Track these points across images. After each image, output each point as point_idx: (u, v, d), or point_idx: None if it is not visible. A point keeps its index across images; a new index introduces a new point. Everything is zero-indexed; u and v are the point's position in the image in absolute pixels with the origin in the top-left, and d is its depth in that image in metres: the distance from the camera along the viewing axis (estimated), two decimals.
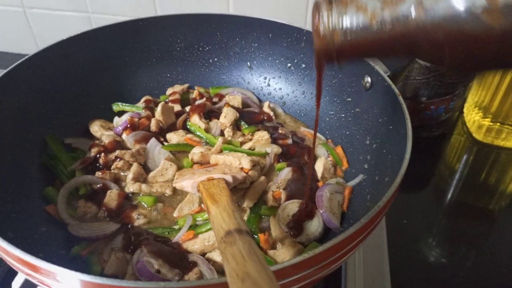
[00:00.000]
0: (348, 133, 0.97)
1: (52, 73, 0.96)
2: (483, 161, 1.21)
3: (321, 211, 0.80)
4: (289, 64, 1.10)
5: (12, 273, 0.77)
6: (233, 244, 0.49)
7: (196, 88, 1.12)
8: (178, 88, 1.10)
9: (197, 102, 1.04)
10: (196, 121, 1.00)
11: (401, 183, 0.65)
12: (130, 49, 1.08)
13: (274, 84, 1.13)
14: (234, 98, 1.07)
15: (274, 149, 0.93)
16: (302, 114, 1.09)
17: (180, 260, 0.72)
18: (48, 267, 0.52)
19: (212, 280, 0.48)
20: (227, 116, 1.00)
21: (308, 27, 1.22)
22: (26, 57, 0.90)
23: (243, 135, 1.00)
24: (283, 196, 0.83)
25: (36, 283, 0.60)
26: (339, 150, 0.97)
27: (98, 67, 1.04)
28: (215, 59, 1.15)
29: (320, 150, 0.97)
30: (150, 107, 1.04)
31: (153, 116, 1.01)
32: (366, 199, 0.81)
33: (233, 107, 1.03)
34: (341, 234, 0.54)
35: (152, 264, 0.70)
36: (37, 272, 0.55)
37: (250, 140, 0.98)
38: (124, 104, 1.05)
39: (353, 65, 0.94)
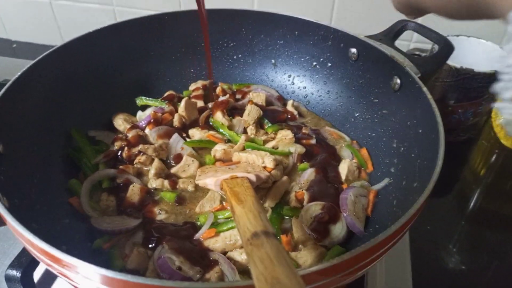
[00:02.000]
0: (374, 135, 0.95)
1: (77, 66, 0.96)
2: (510, 168, 1.18)
3: (345, 215, 0.78)
4: (314, 63, 1.08)
5: (34, 264, 0.77)
6: (261, 247, 0.48)
7: (219, 84, 1.11)
8: (201, 83, 1.10)
9: (220, 99, 1.04)
10: (219, 118, 0.99)
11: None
12: (155, 43, 1.08)
13: (298, 83, 1.12)
14: (258, 95, 1.06)
15: (298, 149, 0.91)
16: (327, 114, 1.07)
17: (201, 258, 0.72)
18: (70, 260, 0.52)
19: (238, 282, 0.47)
20: (250, 114, 0.98)
21: (334, 24, 1.20)
22: (52, 49, 0.90)
23: (266, 133, 0.98)
24: (306, 197, 0.82)
25: (57, 274, 0.60)
26: (364, 152, 0.95)
27: (123, 60, 1.04)
28: (239, 56, 1.14)
29: (345, 152, 0.95)
30: (174, 102, 1.03)
31: (176, 111, 1.01)
32: (392, 204, 0.79)
33: (256, 104, 1.01)
34: (370, 241, 0.53)
35: (174, 260, 0.70)
36: (59, 264, 0.55)
37: (273, 138, 0.97)
38: (147, 98, 1.05)
39: (381, 65, 0.92)
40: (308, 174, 0.87)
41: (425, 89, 0.79)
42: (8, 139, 0.73)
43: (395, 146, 0.88)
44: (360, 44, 0.96)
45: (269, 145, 0.95)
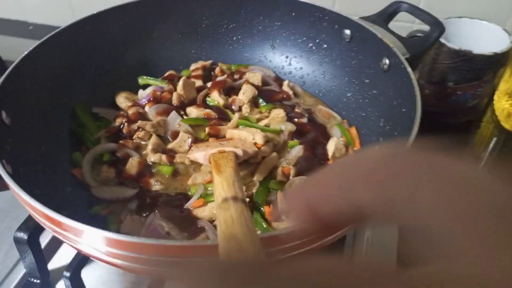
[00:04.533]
0: (363, 114, 0.98)
1: (83, 46, 1.01)
2: (511, 151, 1.18)
3: None
4: (310, 44, 1.10)
5: (40, 228, 0.83)
6: (227, 210, 0.53)
7: (219, 65, 1.15)
8: (201, 64, 1.14)
9: (218, 79, 1.08)
10: (215, 97, 1.03)
11: None
12: (158, 24, 1.12)
13: (295, 64, 1.14)
14: (254, 75, 1.09)
15: (288, 127, 0.95)
16: (321, 94, 1.10)
17: (189, 225, 0.77)
18: (70, 223, 0.57)
19: (207, 242, 0.52)
20: (245, 93, 1.02)
21: (337, 5, 1.21)
22: (59, 29, 0.96)
23: (260, 112, 1.02)
24: (292, 172, 0.86)
25: (60, 237, 0.66)
26: (353, 131, 0.98)
27: (126, 41, 1.09)
28: (239, 37, 1.17)
29: (335, 130, 0.98)
30: (173, 81, 1.08)
31: (175, 90, 1.06)
32: None
33: (252, 84, 1.05)
34: None
35: (163, 226, 0.75)
36: (60, 227, 0.61)
37: (267, 117, 1.01)
38: (149, 77, 1.10)
39: (372, 46, 0.94)
40: (296, 150, 0.91)
41: (409, 69, 0.82)
42: (15, 112, 0.79)
43: (382, 125, 0.90)
44: (353, 25, 0.98)
45: (262, 123, 0.99)
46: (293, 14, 1.08)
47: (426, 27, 1.33)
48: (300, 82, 1.13)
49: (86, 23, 1.01)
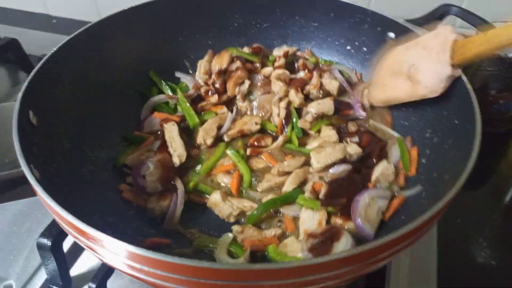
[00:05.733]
0: (407, 124, 0.92)
1: (111, 42, 0.97)
2: None
3: (355, 218, 0.76)
4: (348, 47, 1.05)
5: (64, 234, 0.78)
6: None
7: (306, 50, 1.09)
8: (284, 51, 1.07)
9: (299, 76, 1.03)
10: (292, 95, 0.97)
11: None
12: (189, 23, 1.07)
13: None
14: (330, 83, 0.99)
15: (356, 151, 0.87)
16: None
17: None
18: (96, 234, 0.53)
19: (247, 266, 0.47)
20: (321, 105, 0.94)
21: (372, 7, 1.16)
22: (87, 25, 0.91)
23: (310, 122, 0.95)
24: (323, 191, 0.80)
25: (84, 247, 0.61)
26: (414, 152, 0.86)
27: (156, 39, 1.04)
28: (272, 38, 1.11)
29: (394, 151, 0.88)
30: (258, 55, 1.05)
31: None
32: (421, 195, 0.76)
33: (328, 94, 0.98)
34: (393, 232, 0.52)
35: None
36: (85, 237, 0.56)
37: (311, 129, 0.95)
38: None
39: None
40: (342, 168, 0.84)
41: (464, 78, 0.76)
42: (42, 112, 0.75)
43: (428, 136, 0.84)
44: (399, 28, 0.92)
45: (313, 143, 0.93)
46: (332, 15, 1.03)
47: (468, 32, 1.27)
48: None
49: (115, 19, 0.96)
